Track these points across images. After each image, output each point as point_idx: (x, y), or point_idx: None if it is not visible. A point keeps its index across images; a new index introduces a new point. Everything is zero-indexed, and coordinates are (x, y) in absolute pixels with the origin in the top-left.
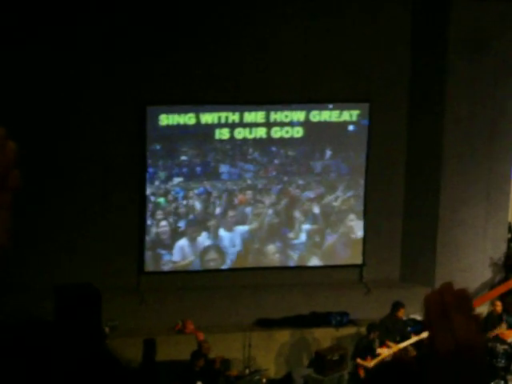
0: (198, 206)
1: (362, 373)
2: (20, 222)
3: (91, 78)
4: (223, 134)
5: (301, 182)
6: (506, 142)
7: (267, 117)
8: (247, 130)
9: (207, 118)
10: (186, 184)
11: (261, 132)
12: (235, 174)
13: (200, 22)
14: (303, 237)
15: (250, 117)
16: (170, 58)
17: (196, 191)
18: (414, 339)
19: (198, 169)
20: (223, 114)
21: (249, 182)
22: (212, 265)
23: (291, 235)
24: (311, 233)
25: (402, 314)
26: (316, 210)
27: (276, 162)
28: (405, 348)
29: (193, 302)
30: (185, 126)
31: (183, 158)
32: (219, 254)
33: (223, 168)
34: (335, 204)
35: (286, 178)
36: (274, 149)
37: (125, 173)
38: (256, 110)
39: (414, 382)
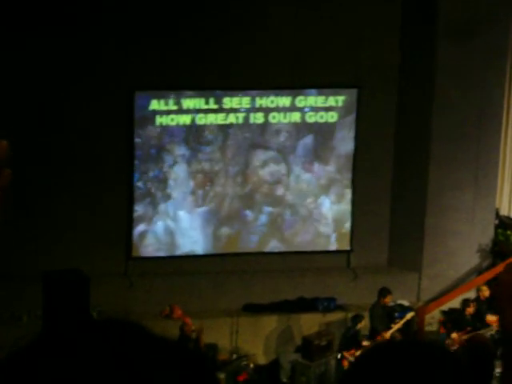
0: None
1: (346, 364)
2: (7, 210)
3: (80, 65)
4: (208, 119)
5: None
6: (494, 127)
7: (252, 102)
8: (232, 115)
9: (189, 103)
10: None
11: (243, 117)
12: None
13: (188, 7)
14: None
15: (234, 102)
16: (156, 44)
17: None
18: (400, 323)
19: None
20: (209, 99)
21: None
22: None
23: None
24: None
25: (388, 300)
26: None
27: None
28: (392, 334)
29: (180, 287)
30: (168, 112)
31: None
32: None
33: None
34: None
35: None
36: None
37: (113, 160)
38: (242, 95)
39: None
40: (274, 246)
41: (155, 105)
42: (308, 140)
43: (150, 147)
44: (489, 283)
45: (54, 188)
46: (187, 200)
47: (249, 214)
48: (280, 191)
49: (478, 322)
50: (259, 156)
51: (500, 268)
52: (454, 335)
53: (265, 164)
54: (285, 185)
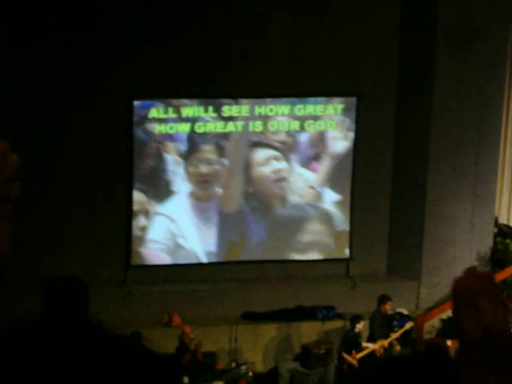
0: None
1: (345, 367)
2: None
3: (78, 71)
4: (207, 127)
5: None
6: (493, 135)
7: (251, 110)
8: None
9: (188, 111)
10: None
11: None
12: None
13: (187, 14)
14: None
15: (233, 110)
16: (155, 52)
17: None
18: (399, 332)
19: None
20: (208, 108)
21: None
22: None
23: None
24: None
25: (388, 307)
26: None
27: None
28: (390, 342)
29: (179, 295)
30: (165, 120)
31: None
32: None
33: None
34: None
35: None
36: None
37: (112, 167)
38: (241, 103)
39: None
40: (271, 254)
41: (154, 113)
42: (306, 150)
43: (148, 154)
44: None
45: (53, 195)
46: (185, 205)
47: (247, 220)
48: (276, 200)
49: None
50: (258, 155)
51: (500, 276)
52: (449, 343)
53: (262, 164)
54: (281, 195)
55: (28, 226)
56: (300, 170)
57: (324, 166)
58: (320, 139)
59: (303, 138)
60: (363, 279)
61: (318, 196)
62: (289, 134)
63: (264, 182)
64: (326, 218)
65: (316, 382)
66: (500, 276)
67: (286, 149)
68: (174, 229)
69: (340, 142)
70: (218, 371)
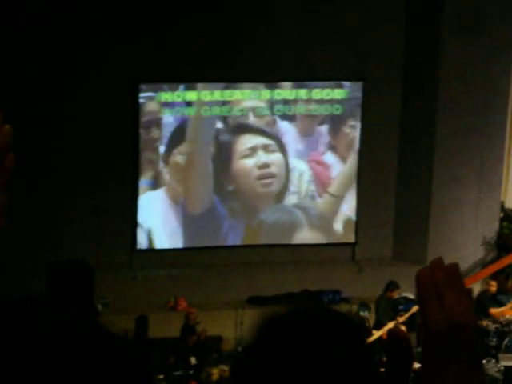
0: None
1: None
2: (12, 200)
3: (84, 56)
4: (213, 111)
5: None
6: (498, 121)
7: (258, 95)
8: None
9: (193, 95)
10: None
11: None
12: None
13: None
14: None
15: (239, 95)
16: (162, 35)
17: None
18: (406, 316)
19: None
20: (214, 92)
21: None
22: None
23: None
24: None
25: (396, 294)
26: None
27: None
28: (396, 326)
29: (185, 279)
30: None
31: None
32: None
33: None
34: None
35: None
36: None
37: (118, 150)
38: (247, 87)
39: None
40: (280, 238)
41: (160, 96)
42: (312, 133)
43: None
44: (493, 277)
45: (59, 178)
46: (191, 192)
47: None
48: (284, 183)
49: (482, 315)
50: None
51: (505, 261)
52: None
53: (265, 154)
54: (288, 177)
55: (34, 209)
56: (296, 162)
57: (331, 150)
58: (325, 123)
59: (304, 125)
60: (369, 264)
61: (325, 181)
62: (286, 121)
63: (260, 175)
64: (332, 201)
65: None
66: (505, 261)
67: (279, 137)
68: (177, 220)
69: (345, 127)
70: (224, 355)
